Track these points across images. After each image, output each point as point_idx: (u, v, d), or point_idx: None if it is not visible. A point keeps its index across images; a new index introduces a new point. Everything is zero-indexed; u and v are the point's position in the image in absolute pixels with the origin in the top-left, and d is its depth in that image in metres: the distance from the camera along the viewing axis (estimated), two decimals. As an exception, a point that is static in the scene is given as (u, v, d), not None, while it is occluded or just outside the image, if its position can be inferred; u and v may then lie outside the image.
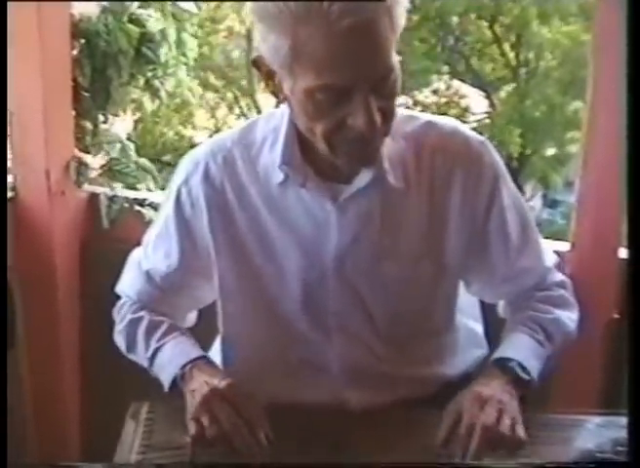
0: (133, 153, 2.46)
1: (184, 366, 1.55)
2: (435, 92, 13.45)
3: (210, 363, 1.59)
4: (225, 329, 1.66)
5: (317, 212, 1.53)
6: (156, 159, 10.27)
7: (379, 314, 1.60)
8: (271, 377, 1.61)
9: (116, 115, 2.50)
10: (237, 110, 13.14)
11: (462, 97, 13.46)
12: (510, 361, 1.52)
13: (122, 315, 1.71)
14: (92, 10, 2.38)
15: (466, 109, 13.34)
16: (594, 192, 2.05)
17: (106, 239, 2.39)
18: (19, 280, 2.31)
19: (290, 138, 1.51)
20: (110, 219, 2.39)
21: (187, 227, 1.61)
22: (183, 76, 2.59)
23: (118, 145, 2.45)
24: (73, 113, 2.39)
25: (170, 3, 2.47)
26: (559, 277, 1.69)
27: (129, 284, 1.72)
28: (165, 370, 1.59)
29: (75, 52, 2.36)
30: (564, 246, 2.06)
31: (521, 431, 1.40)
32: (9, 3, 1.99)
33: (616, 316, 2.06)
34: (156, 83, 2.51)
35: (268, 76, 1.42)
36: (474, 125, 12.16)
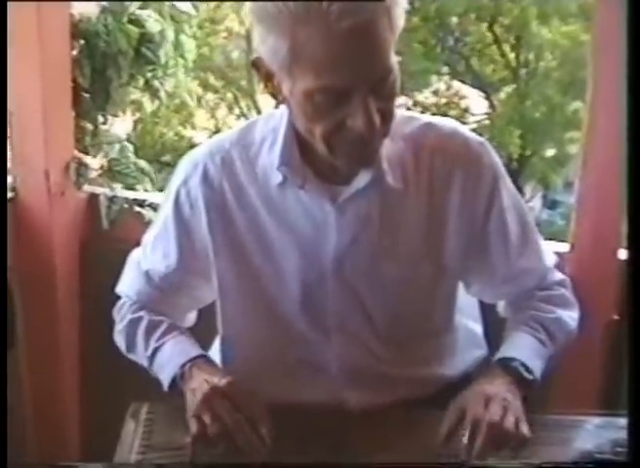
0: (131, 155, 2.46)
1: (184, 364, 1.55)
2: (435, 92, 13.45)
3: (209, 361, 1.59)
4: (224, 329, 1.66)
5: (316, 213, 1.53)
6: (155, 160, 10.29)
7: (378, 315, 1.60)
8: (270, 377, 1.61)
9: (116, 116, 2.50)
10: (237, 111, 13.14)
11: (462, 97, 13.46)
12: (513, 360, 1.52)
13: (122, 315, 1.71)
14: (91, 10, 2.38)
15: (466, 110, 13.33)
16: (594, 193, 2.05)
17: (106, 239, 2.39)
18: (18, 280, 2.31)
19: (289, 139, 1.51)
20: (110, 220, 2.39)
21: (186, 228, 1.61)
22: (182, 78, 2.59)
23: (117, 146, 2.45)
24: (73, 114, 2.39)
25: (168, 5, 2.46)
26: (559, 276, 1.69)
27: (128, 284, 1.72)
28: (164, 369, 1.59)
29: (75, 52, 2.36)
30: (563, 247, 2.06)
31: (525, 429, 1.40)
32: (9, 3, 1.99)
33: (615, 317, 2.06)
34: (156, 83, 2.51)
35: (267, 77, 1.42)
36: (474, 126, 12.16)
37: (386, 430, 1.51)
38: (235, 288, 1.61)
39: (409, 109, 10.27)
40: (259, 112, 11.66)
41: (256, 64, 1.42)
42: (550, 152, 13.31)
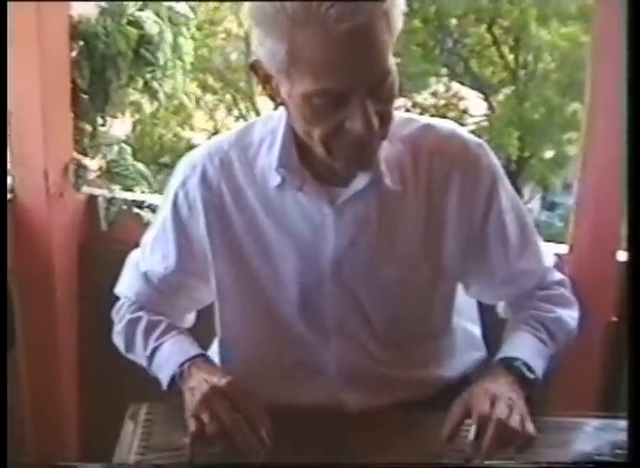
0: (129, 157, 2.46)
1: (183, 364, 1.55)
2: (434, 94, 13.45)
3: (208, 361, 1.59)
4: (223, 330, 1.66)
5: (314, 215, 1.53)
6: (154, 161, 10.29)
7: (376, 316, 1.60)
8: (269, 379, 1.61)
9: (115, 117, 2.50)
10: (236, 112, 13.15)
11: (461, 99, 13.46)
12: (516, 360, 1.52)
13: (121, 315, 1.71)
14: (91, 12, 2.38)
15: (465, 111, 13.34)
16: (593, 194, 2.05)
17: (104, 241, 2.39)
18: (17, 281, 2.31)
19: (287, 141, 1.50)
20: (109, 221, 2.39)
21: (184, 230, 1.61)
22: (180, 79, 2.59)
23: (116, 148, 2.45)
24: (72, 115, 2.39)
25: (166, 7, 2.46)
26: (559, 276, 1.69)
27: (127, 285, 1.72)
28: (163, 368, 1.59)
29: (74, 53, 2.36)
30: (562, 248, 2.06)
31: (531, 428, 1.39)
32: (8, 4, 1.99)
33: (614, 319, 2.06)
34: (155, 85, 2.51)
35: (266, 80, 1.42)
36: (473, 127, 12.16)
37: (385, 432, 1.50)
38: (233, 289, 1.61)
39: (408, 111, 10.28)
40: (257, 114, 11.66)
41: (254, 67, 1.42)
42: (549, 154, 13.31)
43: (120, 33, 2.36)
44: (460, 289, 1.67)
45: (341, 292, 1.57)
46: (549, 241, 1.93)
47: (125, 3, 2.40)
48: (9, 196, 2.32)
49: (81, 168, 2.37)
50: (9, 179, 2.32)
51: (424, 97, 13.39)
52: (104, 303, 1.75)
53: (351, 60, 1.31)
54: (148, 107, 2.59)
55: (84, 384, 2.51)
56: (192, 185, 1.58)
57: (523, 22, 12.60)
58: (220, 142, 1.60)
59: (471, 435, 1.37)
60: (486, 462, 1.36)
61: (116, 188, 2.42)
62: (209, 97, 12.86)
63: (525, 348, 1.56)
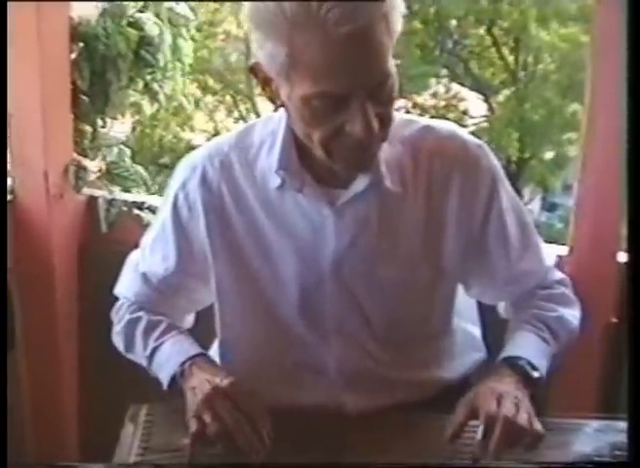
0: (128, 159, 2.46)
1: (183, 363, 1.55)
2: (434, 95, 13.45)
3: (209, 360, 1.59)
4: (223, 332, 1.66)
5: (314, 216, 1.53)
6: (154, 162, 10.28)
7: (376, 318, 1.60)
8: (269, 380, 1.61)
9: (115, 118, 2.50)
10: (236, 114, 13.14)
11: (461, 100, 13.46)
12: (520, 359, 1.52)
13: (120, 316, 1.71)
14: (91, 13, 2.38)
15: (465, 112, 13.33)
16: (593, 195, 2.05)
17: (105, 242, 2.39)
18: (17, 282, 2.31)
19: (287, 143, 1.50)
20: (109, 222, 2.39)
21: (184, 231, 1.61)
22: (180, 81, 2.59)
23: (115, 149, 2.45)
24: (72, 116, 2.39)
25: (166, 8, 2.46)
26: (560, 275, 1.70)
27: (127, 286, 1.72)
28: (164, 368, 1.59)
29: (74, 55, 2.36)
30: (562, 249, 2.06)
31: (539, 426, 1.39)
32: (8, 4, 1.99)
33: (614, 320, 2.06)
34: (155, 86, 2.51)
35: (265, 83, 1.42)
36: (473, 128, 12.16)
37: (384, 432, 1.50)
38: (233, 291, 1.61)
39: (408, 112, 10.28)
40: (257, 115, 11.65)
41: (254, 70, 1.42)
42: (549, 155, 13.31)
43: (120, 35, 2.36)
44: (459, 289, 1.67)
45: (341, 293, 1.57)
46: (549, 242, 1.93)
47: (125, 4, 2.40)
48: (9, 197, 2.32)
49: (81, 169, 2.37)
50: (9, 180, 2.33)
51: (424, 99, 13.39)
52: (104, 304, 1.75)
53: (351, 63, 1.31)
54: (148, 109, 2.59)
55: (84, 384, 2.51)
56: (192, 187, 1.58)
57: (523, 24, 12.60)
58: (220, 144, 1.60)
59: (479, 434, 1.37)
60: (487, 462, 1.36)
61: (116, 190, 2.42)
62: (209, 99, 12.85)
63: (528, 347, 1.56)
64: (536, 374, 1.51)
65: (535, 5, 12.44)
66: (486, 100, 13.57)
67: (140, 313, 1.68)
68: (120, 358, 1.71)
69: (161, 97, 2.54)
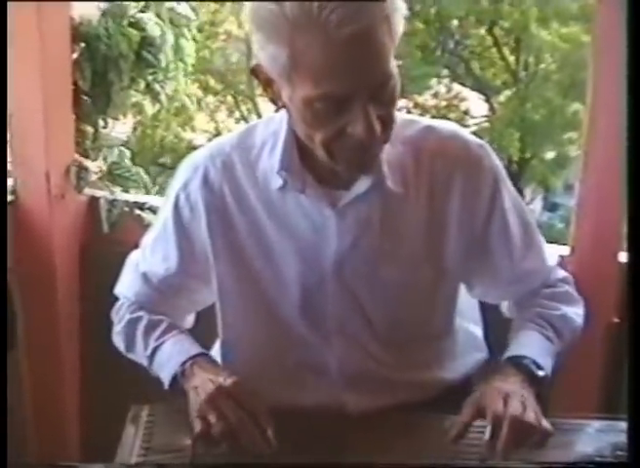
0: (128, 161, 2.46)
1: (185, 362, 1.55)
2: (435, 95, 13.44)
3: (210, 360, 1.59)
4: (224, 332, 1.66)
5: (316, 217, 1.53)
6: (155, 163, 10.28)
7: (378, 318, 1.60)
8: (270, 380, 1.61)
9: (116, 119, 2.51)
10: (237, 114, 13.14)
11: (462, 100, 13.46)
12: (524, 358, 1.52)
13: (120, 316, 1.71)
14: (92, 13, 2.38)
15: (466, 113, 13.33)
16: (594, 195, 2.05)
17: (106, 242, 2.39)
18: (19, 282, 2.31)
19: (289, 144, 1.50)
20: (110, 223, 2.39)
21: (186, 231, 1.60)
22: (182, 81, 2.59)
23: (116, 150, 2.45)
24: (73, 117, 2.39)
25: (167, 8, 2.46)
26: (562, 273, 1.70)
27: (127, 285, 1.72)
28: (165, 367, 1.59)
29: (75, 55, 2.36)
30: (564, 249, 2.06)
31: (546, 424, 1.39)
32: (9, 5, 1.99)
33: (616, 320, 2.06)
34: (157, 87, 2.51)
35: (267, 84, 1.42)
36: (474, 128, 12.15)
37: (386, 433, 1.50)
38: (235, 291, 1.61)
39: (409, 112, 10.28)
40: (259, 116, 11.65)
41: (255, 71, 1.42)
42: (550, 155, 13.30)
43: (122, 35, 2.36)
44: (461, 289, 1.67)
45: (343, 293, 1.57)
46: (551, 242, 1.93)
47: (126, 4, 2.40)
48: (11, 198, 2.32)
49: (82, 170, 2.37)
50: (11, 181, 2.33)
51: (425, 99, 13.39)
52: (106, 304, 1.75)
53: (352, 65, 1.31)
54: (150, 109, 2.59)
55: (85, 385, 2.51)
56: (194, 187, 1.58)
57: (524, 24, 12.59)
58: (221, 144, 1.60)
59: (487, 435, 1.37)
60: (492, 462, 1.36)
61: (118, 190, 2.42)
62: (210, 99, 12.85)
63: (533, 346, 1.56)
64: (541, 373, 1.51)
65: (535, 5, 12.43)
66: (487, 100, 13.56)
67: (141, 313, 1.68)
68: (121, 358, 1.71)
69: (162, 97, 2.54)
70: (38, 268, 2.38)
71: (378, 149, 1.43)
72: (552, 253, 1.70)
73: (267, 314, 1.61)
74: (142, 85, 2.49)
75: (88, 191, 2.41)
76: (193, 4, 2.60)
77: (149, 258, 1.67)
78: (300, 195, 1.52)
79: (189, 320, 1.76)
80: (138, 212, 2.38)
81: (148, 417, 1.56)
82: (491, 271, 1.63)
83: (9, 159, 2.30)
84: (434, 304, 1.63)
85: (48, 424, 2.49)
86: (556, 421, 1.42)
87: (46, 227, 2.36)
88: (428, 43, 13.18)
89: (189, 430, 1.43)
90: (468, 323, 1.74)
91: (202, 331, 1.71)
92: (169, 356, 1.60)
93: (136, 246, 1.73)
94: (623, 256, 2.03)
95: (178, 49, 2.49)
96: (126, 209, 2.39)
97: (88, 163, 2.40)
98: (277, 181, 1.52)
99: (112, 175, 2.43)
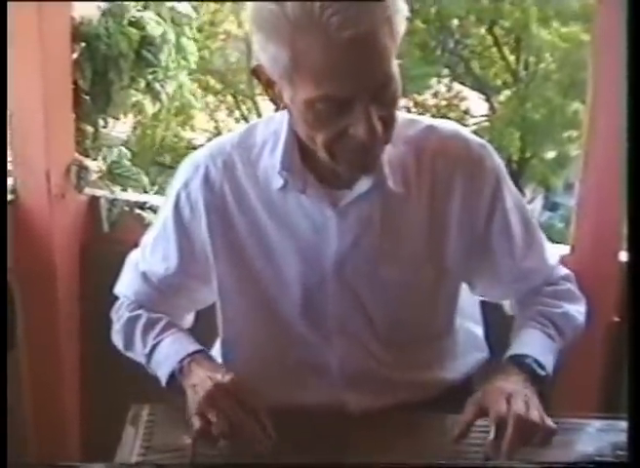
0: (127, 161, 2.46)
1: (182, 360, 1.55)
2: (435, 94, 13.44)
3: (208, 357, 1.59)
4: (225, 331, 1.66)
5: (317, 217, 1.53)
6: (155, 162, 10.27)
7: (378, 318, 1.60)
8: (271, 380, 1.61)
9: (116, 118, 2.51)
10: (237, 113, 13.13)
11: (463, 99, 13.46)
12: (526, 357, 1.52)
13: (119, 314, 1.71)
14: (92, 13, 2.38)
15: (466, 112, 13.33)
16: (595, 195, 2.05)
17: (106, 241, 2.39)
18: (19, 282, 2.31)
19: (289, 144, 1.50)
20: (110, 222, 2.39)
21: (186, 231, 1.60)
22: (185, 80, 2.59)
23: (115, 150, 2.45)
24: (73, 116, 2.39)
25: (168, 7, 2.46)
26: (564, 271, 1.70)
27: (126, 284, 1.72)
28: (162, 365, 1.58)
29: (76, 55, 2.36)
30: (564, 249, 2.06)
31: (550, 421, 1.39)
32: (9, 4, 1.99)
33: (616, 319, 2.06)
34: (157, 86, 2.51)
35: (268, 85, 1.41)
36: (474, 128, 12.15)
37: (387, 432, 1.50)
38: (235, 291, 1.60)
39: (409, 111, 10.27)
40: (259, 115, 11.65)
41: (256, 72, 1.41)
42: (550, 154, 13.29)
43: (122, 34, 2.36)
44: (462, 288, 1.67)
45: (344, 293, 1.57)
46: (551, 242, 1.93)
47: (126, 4, 2.40)
48: (11, 197, 2.32)
49: (83, 169, 2.37)
50: (11, 181, 2.33)
51: (425, 98, 13.39)
52: (106, 304, 1.75)
53: (354, 67, 1.30)
54: (150, 108, 2.59)
55: (86, 384, 2.51)
56: (195, 186, 1.57)
57: (524, 23, 12.58)
58: (222, 144, 1.60)
59: (491, 435, 1.37)
60: (496, 462, 1.36)
61: (118, 189, 2.42)
62: (210, 99, 12.84)
63: (534, 345, 1.56)
64: (542, 372, 1.51)
65: (536, 4, 12.43)
66: (487, 100, 13.56)
67: (140, 311, 1.68)
68: (121, 357, 1.71)
69: (163, 96, 2.54)
70: (38, 268, 2.38)
71: (379, 150, 1.43)
72: (554, 251, 1.70)
73: (268, 314, 1.60)
74: (143, 84, 2.49)
75: (88, 190, 2.41)
76: (193, 3, 2.60)
77: (149, 258, 1.67)
78: (300, 195, 1.52)
79: (189, 319, 1.76)
80: (138, 211, 2.38)
81: (149, 417, 1.56)
82: (492, 270, 1.63)
83: (9, 158, 2.30)
84: (435, 304, 1.63)
85: (48, 424, 2.49)
86: (556, 421, 1.42)
87: (46, 227, 2.36)
88: (428, 42, 13.17)
89: (189, 429, 1.43)
90: (469, 322, 1.74)
91: (202, 331, 1.71)
92: (167, 353, 1.60)
93: (136, 245, 1.73)
94: (624, 256, 2.03)
95: (180, 48, 2.49)
96: (126, 208, 2.39)
97: (88, 162, 2.40)
98: (278, 181, 1.52)
99: (112, 175, 2.42)
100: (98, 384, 2.45)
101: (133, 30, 2.38)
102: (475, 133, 1.64)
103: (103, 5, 2.38)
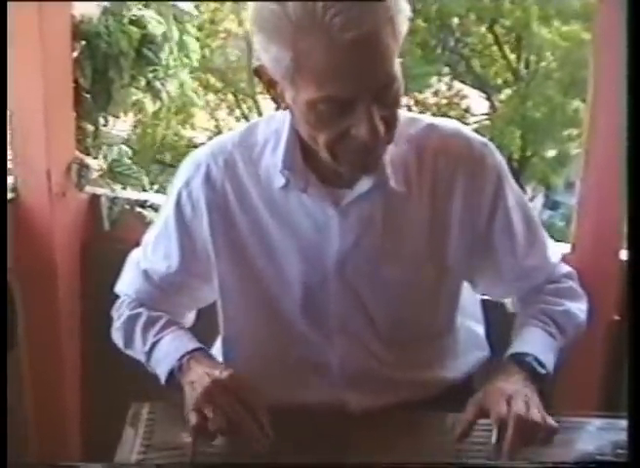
0: (127, 160, 2.46)
1: (182, 357, 1.55)
2: (436, 93, 13.44)
3: (208, 355, 1.59)
4: (226, 330, 1.66)
5: (319, 216, 1.53)
6: (155, 160, 10.28)
7: (380, 317, 1.60)
8: (272, 379, 1.60)
9: (117, 117, 2.51)
10: (238, 112, 13.14)
11: (463, 98, 13.46)
12: (527, 356, 1.52)
13: (120, 312, 1.71)
14: (93, 11, 2.38)
15: (467, 110, 13.33)
16: (595, 193, 2.05)
17: (107, 240, 2.39)
18: (20, 280, 2.31)
19: (291, 144, 1.50)
20: (111, 221, 2.40)
21: (187, 229, 1.60)
22: (186, 78, 2.59)
23: (116, 149, 2.45)
24: (74, 115, 2.39)
25: (169, 5, 2.46)
26: (566, 268, 1.70)
27: (127, 283, 1.72)
28: (162, 362, 1.58)
29: (76, 53, 2.37)
30: (565, 247, 2.06)
31: (551, 420, 1.39)
32: (9, 4, 1.99)
33: (616, 318, 2.06)
34: (157, 84, 2.51)
35: (270, 85, 1.41)
36: (475, 126, 12.15)
37: (388, 432, 1.50)
38: (237, 289, 1.60)
39: (409, 109, 10.27)
40: (260, 114, 11.66)
41: (258, 72, 1.41)
42: (551, 153, 13.30)
43: (122, 33, 2.36)
44: (464, 287, 1.67)
45: (345, 292, 1.57)
46: (552, 240, 1.93)
47: (127, 2, 2.40)
48: (11, 196, 2.32)
49: (83, 167, 2.37)
50: (11, 179, 2.33)
51: (426, 97, 13.39)
52: (107, 302, 1.75)
53: (356, 68, 1.30)
54: (150, 107, 2.59)
55: (86, 383, 2.51)
56: (196, 185, 1.57)
57: (525, 22, 12.59)
58: (223, 142, 1.60)
59: (493, 438, 1.37)
60: (487, 463, 1.36)
61: (118, 188, 2.42)
62: (210, 97, 12.84)
63: (535, 343, 1.56)
64: (543, 371, 1.51)
65: (536, 3, 12.43)
66: (488, 98, 13.57)
67: (141, 309, 1.68)
68: (122, 356, 1.71)
69: (163, 94, 2.54)
70: (39, 266, 2.38)
71: (381, 150, 1.43)
72: (556, 248, 1.70)
73: (269, 312, 1.60)
74: (143, 82, 2.49)
75: (89, 189, 2.41)
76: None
77: (150, 256, 1.67)
78: (302, 194, 1.52)
79: (190, 317, 1.76)
80: (139, 209, 2.38)
81: (149, 415, 1.56)
82: (494, 268, 1.63)
83: (9, 157, 2.30)
84: (437, 303, 1.63)
85: (48, 423, 2.49)
86: (557, 419, 1.42)
87: (47, 225, 2.36)
88: (429, 41, 13.18)
89: (188, 425, 1.43)
90: (470, 321, 1.74)
91: (203, 329, 1.71)
92: (166, 351, 1.59)
93: (137, 243, 1.73)
94: (624, 254, 2.03)
95: (182, 45, 2.49)
96: (127, 206, 2.39)
97: (89, 161, 2.40)
98: (280, 180, 1.52)
99: (113, 173, 2.43)
100: (98, 383, 2.45)
101: (133, 29, 2.38)
102: (476, 131, 1.64)
103: (104, 3, 2.38)
